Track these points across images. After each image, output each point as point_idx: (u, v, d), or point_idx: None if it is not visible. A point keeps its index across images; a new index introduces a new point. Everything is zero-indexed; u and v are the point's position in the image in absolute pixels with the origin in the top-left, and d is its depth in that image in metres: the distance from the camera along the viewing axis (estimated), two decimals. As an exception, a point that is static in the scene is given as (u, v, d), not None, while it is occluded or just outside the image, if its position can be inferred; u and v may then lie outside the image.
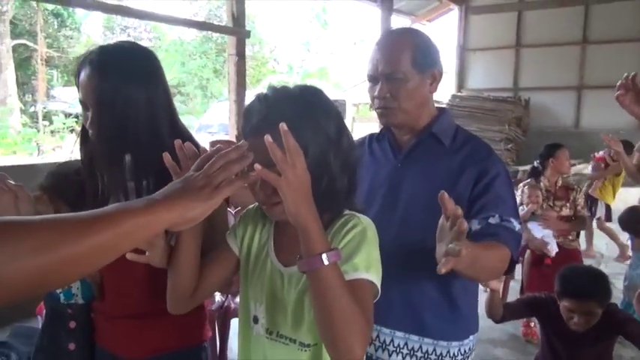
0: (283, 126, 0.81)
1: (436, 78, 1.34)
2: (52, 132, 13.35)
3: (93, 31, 20.07)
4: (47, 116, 14.07)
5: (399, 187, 1.35)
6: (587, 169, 6.41)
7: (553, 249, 3.33)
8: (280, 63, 23.79)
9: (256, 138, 0.89)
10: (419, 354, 1.33)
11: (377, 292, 0.96)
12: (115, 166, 1.23)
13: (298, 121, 0.87)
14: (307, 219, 0.85)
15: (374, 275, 0.94)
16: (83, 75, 1.22)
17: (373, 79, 1.34)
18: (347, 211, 1.02)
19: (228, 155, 0.84)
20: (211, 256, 1.11)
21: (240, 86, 5.64)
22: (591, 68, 10.37)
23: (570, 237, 3.56)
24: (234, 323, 2.75)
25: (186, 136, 1.27)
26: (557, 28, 10.47)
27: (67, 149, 10.52)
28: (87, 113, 1.24)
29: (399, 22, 10.53)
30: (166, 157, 0.94)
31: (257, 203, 1.10)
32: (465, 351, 1.36)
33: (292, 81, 13.94)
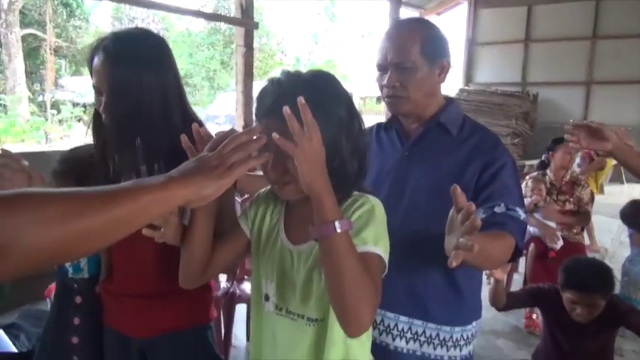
0: (301, 99, 0.83)
1: (445, 68, 1.35)
2: (59, 121, 13.37)
3: (101, 21, 20.10)
4: (55, 105, 14.09)
5: (406, 176, 1.36)
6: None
7: (559, 242, 3.34)
8: (288, 55, 23.75)
9: (269, 119, 0.92)
10: (422, 338, 1.34)
11: (384, 266, 0.98)
12: (126, 150, 1.26)
13: (311, 104, 0.87)
14: (321, 188, 0.86)
15: (382, 250, 0.96)
16: (97, 61, 1.23)
17: (382, 68, 1.34)
18: (356, 193, 1.04)
19: (241, 137, 0.87)
20: (223, 236, 1.14)
21: (248, 77, 5.65)
22: (600, 64, 10.30)
23: (575, 230, 3.56)
24: (239, 309, 2.79)
25: (197, 120, 1.29)
26: (567, 23, 10.40)
27: (74, 138, 10.55)
28: (100, 98, 1.26)
29: (407, 15, 10.45)
30: (184, 139, 0.96)
31: (268, 187, 1.13)
32: (467, 336, 1.37)
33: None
